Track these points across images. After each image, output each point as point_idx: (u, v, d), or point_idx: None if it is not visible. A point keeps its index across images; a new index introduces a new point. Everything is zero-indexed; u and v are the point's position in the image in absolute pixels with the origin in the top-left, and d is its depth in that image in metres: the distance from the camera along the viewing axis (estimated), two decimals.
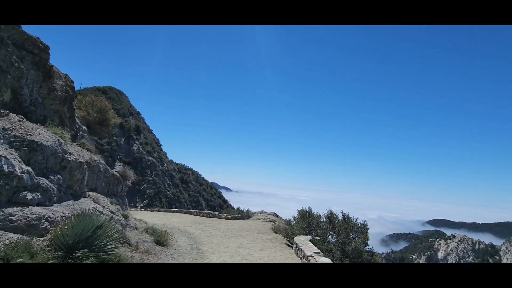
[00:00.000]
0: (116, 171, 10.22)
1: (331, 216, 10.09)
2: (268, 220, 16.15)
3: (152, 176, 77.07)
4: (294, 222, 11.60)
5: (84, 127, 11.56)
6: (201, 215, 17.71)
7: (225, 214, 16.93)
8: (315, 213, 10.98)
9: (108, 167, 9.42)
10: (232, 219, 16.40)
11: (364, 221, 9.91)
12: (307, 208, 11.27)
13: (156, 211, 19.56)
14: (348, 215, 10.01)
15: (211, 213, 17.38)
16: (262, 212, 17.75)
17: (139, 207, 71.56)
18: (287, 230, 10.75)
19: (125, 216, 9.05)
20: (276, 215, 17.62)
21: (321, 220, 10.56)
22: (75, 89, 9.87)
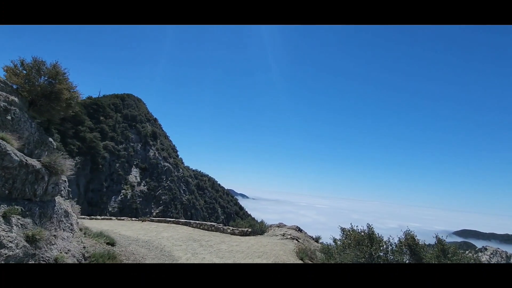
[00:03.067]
0: (38, 160, 5.98)
1: (412, 241, 5.28)
2: (289, 237, 11.36)
3: (168, 182, 74.06)
4: (336, 247, 6.83)
5: (14, 99, 7.52)
6: (201, 227, 13.23)
7: (231, 228, 12.31)
8: (379, 236, 6.16)
9: (16, 152, 5.25)
10: (240, 235, 11.75)
11: (477, 255, 5.10)
12: (365, 228, 6.39)
13: (148, 220, 15.31)
14: (445, 241, 5.17)
15: (213, 226, 12.83)
16: (280, 226, 12.97)
17: (154, 213, 68.32)
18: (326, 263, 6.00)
19: (32, 240, 4.78)
20: (300, 230, 12.78)
21: (390, 247, 5.77)
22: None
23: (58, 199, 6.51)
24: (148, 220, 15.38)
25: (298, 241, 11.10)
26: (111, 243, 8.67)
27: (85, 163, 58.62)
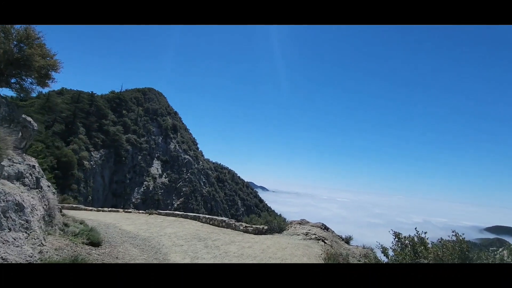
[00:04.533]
0: None
1: None
2: (313, 237, 9.19)
3: (188, 174, 74.02)
4: (391, 262, 4.58)
5: None
6: (211, 222, 11.42)
7: (244, 224, 10.34)
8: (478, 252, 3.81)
9: None
10: (254, 233, 9.74)
11: None
12: (450, 237, 4.00)
13: (156, 214, 13.79)
14: None
15: (224, 221, 10.95)
16: (302, 223, 10.80)
17: (175, 205, 68.50)
18: None
19: None
20: (326, 228, 10.54)
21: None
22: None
23: (6, 188, 4.84)
24: (156, 213, 13.85)
25: (325, 243, 8.91)
26: (95, 243, 7.00)
27: (109, 156, 59.49)
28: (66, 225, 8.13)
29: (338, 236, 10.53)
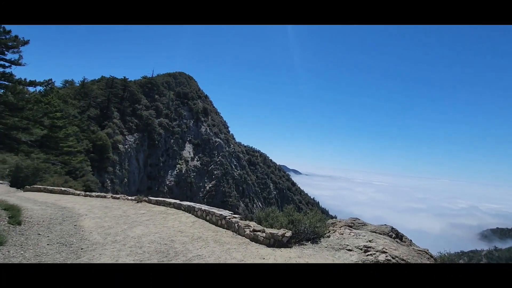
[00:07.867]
0: None
1: None
2: (381, 258, 4.42)
3: (219, 157, 71.87)
4: None
5: None
6: (207, 218, 7.30)
7: (252, 227, 5.91)
8: None
9: None
10: (268, 244, 5.26)
11: None
12: None
13: (146, 201, 10.13)
14: None
15: (224, 218, 6.66)
16: (354, 224, 6.03)
17: (207, 188, 66.71)
18: None
19: None
20: (399, 237, 5.69)
21: None
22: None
23: None
24: (145, 201, 10.18)
25: None
26: None
27: (143, 139, 59.06)
28: None
29: (422, 250, 5.61)
